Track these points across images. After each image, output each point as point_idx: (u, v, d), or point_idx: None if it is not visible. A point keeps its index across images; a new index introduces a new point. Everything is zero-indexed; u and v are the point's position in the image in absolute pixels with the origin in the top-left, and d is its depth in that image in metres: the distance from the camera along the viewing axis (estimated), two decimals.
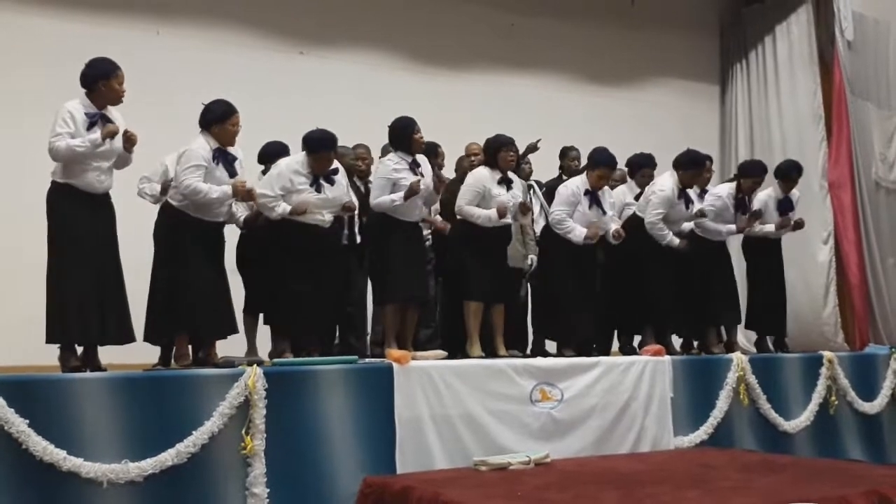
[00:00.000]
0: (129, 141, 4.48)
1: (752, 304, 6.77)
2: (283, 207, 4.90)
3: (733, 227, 6.41)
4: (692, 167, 6.15)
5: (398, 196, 5.22)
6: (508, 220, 5.61)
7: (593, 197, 5.82)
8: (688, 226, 6.40)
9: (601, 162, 5.79)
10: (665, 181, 6.13)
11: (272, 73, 7.19)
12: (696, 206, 6.24)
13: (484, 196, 5.50)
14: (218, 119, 4.67)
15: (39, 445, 3.65)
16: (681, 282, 6.20)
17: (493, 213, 5.47)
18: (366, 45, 7.78)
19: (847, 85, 8.38)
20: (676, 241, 6.02)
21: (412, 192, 5.18)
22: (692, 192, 6.28)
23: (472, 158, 6.43)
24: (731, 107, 9.48)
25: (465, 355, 5.46)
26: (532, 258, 6.28)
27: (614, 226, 5.90)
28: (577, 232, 5.74)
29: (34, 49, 6.31)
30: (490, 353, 5.61)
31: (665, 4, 9.17)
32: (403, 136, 5.33)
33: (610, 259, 6.16)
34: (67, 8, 6.60)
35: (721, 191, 6.50)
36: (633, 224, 6.15)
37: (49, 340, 4.39)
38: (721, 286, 6.46)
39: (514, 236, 5.98)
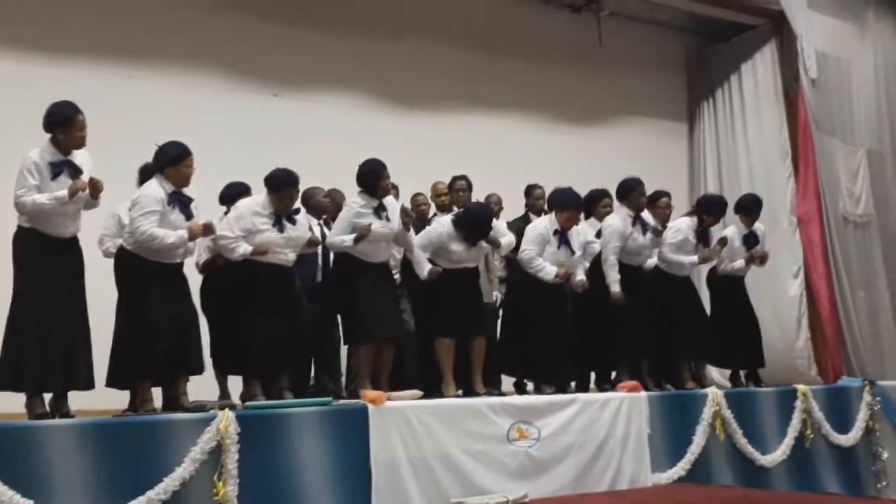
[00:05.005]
0: (96, 189, 4.43)
1: (722, 340, 6.62)
2: (244, 248, 4.86)
3: (695, 257, 6.39)
4: (629, 193, 6.20)
5: (349, 238, 5.23)
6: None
7: (562, 237, 5.83)
8: (651, 263, 6.45)
9: (569, 205, 5.84)
10: (613, 216, 6.22)
11: (246, 115, 7.19)
12: (651, 238, 6.18)
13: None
14: (172, 161, 4.59)
15: (6, 495, 3.56)
16: (652, 317, 6.21)
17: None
18: (339, 87, 7.82)
19: (812, 121, 8.54)
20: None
21: (361, 236, 5.20)
22: (648, 218, 6.24)
23: (443, 198, 6.48)
24: (699, 144, 9.62)
25: (441, 395, 5.41)
26: (496, 294, 6.27)
27: (581, 275, 5.92)
28: (548, 270, 5.74)
29: (4, 94, 6.27)
30: (467, 390, 5.57)
31: (631, 44, 9.34)
32: (370, 180, 5.34)
33: (581, 295, 6.14)
34: (37, 52, 6.58)
35: (681, 224, 6.47)
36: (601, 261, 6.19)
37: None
38: (693, 322, 6.46)
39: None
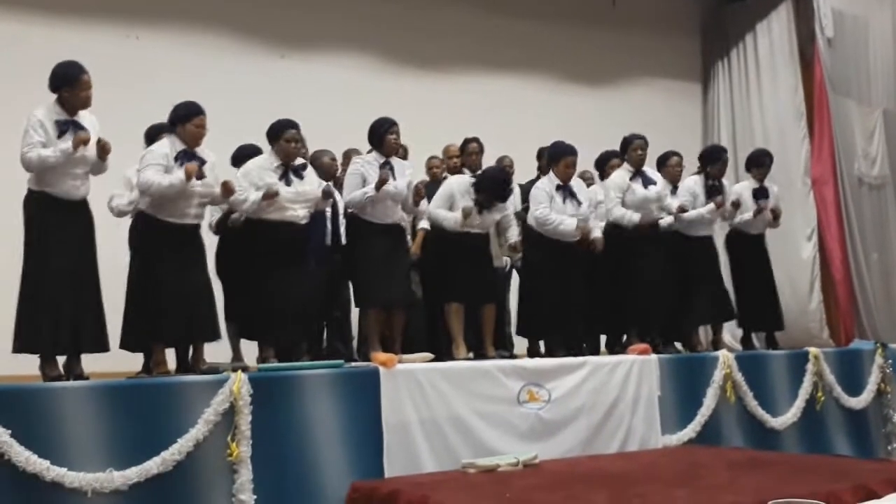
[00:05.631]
0: (103, 150, 4.43)
1: (741, 301, 6.67)
2: (254, 196, 4.86)
3: (711, 205, 6.35)
4: (626, 147, 6.25)
5: (370, 188, 5.20)
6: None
7: (566, 190, 5.79)
8: (667, 220, 6.40)
9: (562, 152, 5.80)
10: (615, 172, 6.27)
11: (254, 76, 7.14)
12: (657, 191, 6.20)
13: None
14: (181, 119, 4.64)
15: (22, 456, 3.60)
16: (666, 280, 6.20)
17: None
18: (347, 48, 7.75)
19: (828, 82, 8.42)
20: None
21: (382, 181, 5.15)
22: (653, 174, 6.26)
23: (455, 160, 6.43)
24: (713, 105, 9.51)
25: (451, 357, 5.42)
26: (506, 259, 6.25)
27: (597, 232, 5.89)
28: (567, 221, 5.68)
29: (10, 55, 6.23)
30: (478, 354, 5.58)
31: (646, 4, 9.19)
32: (376, 135, 5.35)
33: (592, 258, 6.10)
34: (43, 13, 6.53)
35: (688, 182, 6.51)
36: (614, 224, 6.15)
37: (15, 350, 4.33)
38: (709, 284, 6.45)
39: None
